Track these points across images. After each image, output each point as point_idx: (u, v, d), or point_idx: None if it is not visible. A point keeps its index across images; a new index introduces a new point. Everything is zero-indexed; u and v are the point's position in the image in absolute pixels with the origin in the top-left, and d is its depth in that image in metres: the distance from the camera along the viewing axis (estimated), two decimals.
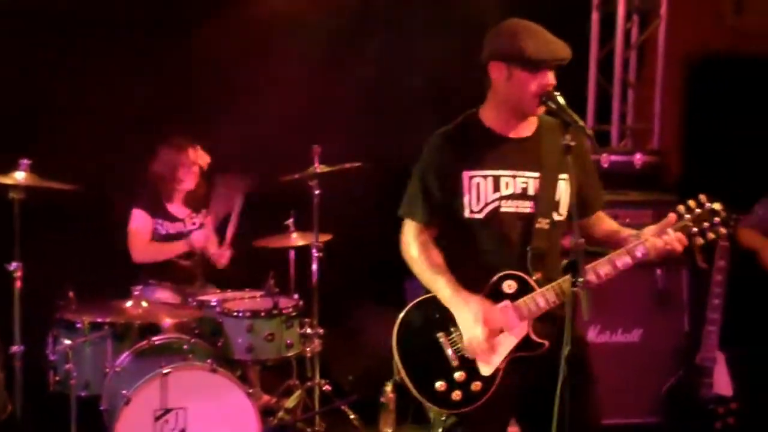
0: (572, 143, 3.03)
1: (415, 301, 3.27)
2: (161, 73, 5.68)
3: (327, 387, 5.23)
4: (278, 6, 5.87)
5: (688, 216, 3.18)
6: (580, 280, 2.84)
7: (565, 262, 2.93)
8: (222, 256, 5.43)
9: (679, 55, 6.21)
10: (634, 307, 5.01)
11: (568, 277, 3.13)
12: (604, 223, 3.41)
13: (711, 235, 3.20)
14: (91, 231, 5.44)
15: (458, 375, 3.17)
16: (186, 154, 5.30)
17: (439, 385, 3.17)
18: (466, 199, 3.20)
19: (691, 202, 3.21)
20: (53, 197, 4.70)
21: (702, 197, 3.22)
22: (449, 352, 3.18)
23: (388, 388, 5.21)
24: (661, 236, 3.14)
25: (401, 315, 3.26)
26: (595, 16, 6.01)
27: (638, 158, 5.41)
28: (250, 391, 4.43)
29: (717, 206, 3.21)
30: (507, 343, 3.17)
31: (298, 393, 5.23)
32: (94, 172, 5.02)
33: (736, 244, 4.97)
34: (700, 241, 3.19)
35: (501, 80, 3.18)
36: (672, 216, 3.18)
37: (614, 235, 3.33)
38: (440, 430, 3.38)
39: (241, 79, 5.81)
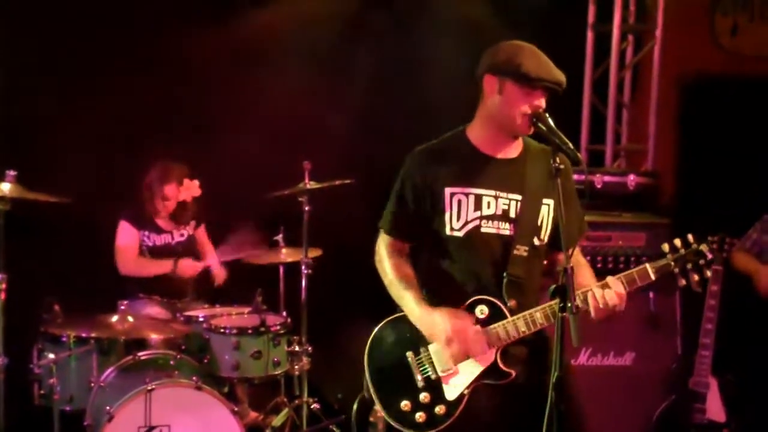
0: (561, 166, 3.00)
1: (389, 318, 3.27)
2: (151, 87, 5.64)
3: (315, 405, 5.18)
4: (269, 22, 5.86)
5: (670, 255, 3.15)
6: (569, 305, 2.80)
7: (552, 287, 2.88)
8: (219, 275, 5.45)
9: (674, 76, 6.21)
10: (626, 331, 4.96)
11: (542, 307, 3.11)
12: (578, 266, 3.19)
13: (695, 277, 3.16)
14: (78, 243, 5.40)
15: (423, 396, 3.16)
16: (162, 189, 5.31)
17: (404, 404, 3.17)
18: (447, 216, 3.17)
19: (677, 242, 3.17)
20: (39, 209, 4.65)
21: (690, 237, 3.17)
22: (416, 372, 3.18)
23: (378, 407, 5.15)
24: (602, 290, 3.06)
25: (375, 331, 3.27)
26: (590, 36, 5.99)
27: (632, 179, 5.38)
28: (236, 408, 4.37)
29: (703, 248, 3.16)
30: (473, 369, 3.15)
31: (285, 411, 5.19)
32: (80, 184, 4.97)
33: (730, 268, 4.94)
34: (682, 282, 3.16)
35: (493, 94, 3.15)
36: (643, 267, 3.13)
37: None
38: None
39: (232, 95, 5.79)
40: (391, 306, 5.08)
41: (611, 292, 3.05)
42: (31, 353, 4.52)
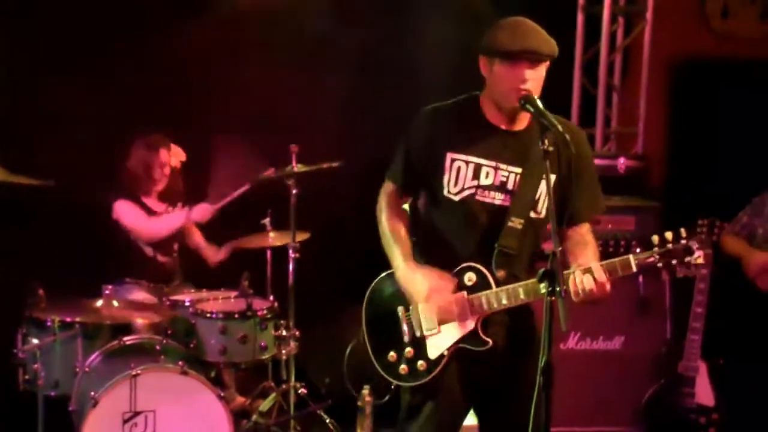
0: (550, 149, 2.97)
1: (389, 271, 3.33)
2: (135, 69, 5.59)
3: (303, 390, 5.15)
4: (256, 3, 5.78)
5: (656, 248, 3.09)
6: (558, 289, 2.79)
7: (541, 270, 2.86)
8: (218, 254, 5.43)
9: (664, 58, 6.18)
10: (615, 314, 4.95)
11: (528, 282, 3.13)
12: (582, 244, 3.25)
13: (681, 272, 3.10)
14: (61, 227, 5.34)
15: (408, 350, 3.28)
16: (158, 155, 5.23)
17: (391, 355, 3.30)
18: (445, 179, 3.21)
19: (668, 234, 3.11)
20: (22, 192, 4.61)
21: (682, 231, 3.11)
22: (404, 327, 3.29)
23: (365, 391, 5.14)
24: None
25: (375, 282, 3.38)
26: (580, 18, 5.95)
27: (622, 162, 5.36)
28: (223, 393, 4.33)
29: (693, 245, 3.09)
30: (454, 333, 3.23)
31: (273, 396, 5.16)
32: (64, 167, 4.91)
33: (720, 251, 4.92)
34: (665, 276, 3.12)
35: (487, 74, 3.20)
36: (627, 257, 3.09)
37: (573, 261, 3.20)
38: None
39: (218, 77, 5.72)
40: None
41: (590, 279, 3.03)
42: (15, 338, 4.47)
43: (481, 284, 3.20)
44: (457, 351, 3.23)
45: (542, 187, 3.18)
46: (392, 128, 3.46)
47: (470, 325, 3.20)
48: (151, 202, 5.33)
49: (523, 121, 3.24)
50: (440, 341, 3.23)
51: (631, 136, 6.07)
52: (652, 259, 3.08)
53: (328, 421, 5.03)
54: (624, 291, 4.95)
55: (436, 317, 3.22)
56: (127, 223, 5.15)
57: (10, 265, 4.65)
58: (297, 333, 5.03)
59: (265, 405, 5.14)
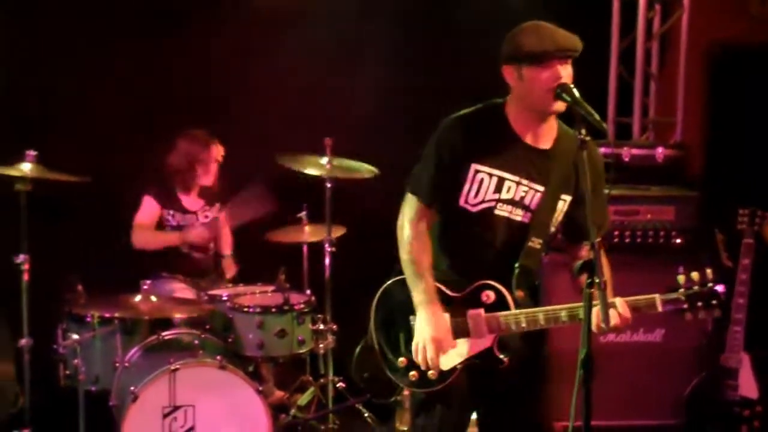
0: (587, 138, 2.93)
1: (401, 276, 3.27)
2: (171, 64, 5.61)
3: (341, 384, 5.15)
4: None
5: (683, 290, 3.07)
6: (597, 280, 2.75)
7: (580, 262, 2.84)
8: (230, 268, 5.44)
9: (702, 45, 6.08)
10: None
11: (547, 308, 3.11)
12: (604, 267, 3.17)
13: (702, 315, 3.07)
14: (100, 223, 5.40)
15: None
16: (209, 151, 5.26)
17: (401, 360, 3.26)
18: (465, 189, 3.17)
19: (695, 275, 3.08)
20: (61, 189, 4.65)
21: (708, 273, 3.07)
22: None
23: (378, 356, 5.11)
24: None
25: (385, 284, 3.33)
26: (616, 6, 5.87)
27: (660, 152, 5.28)
28: (261, 388, 4.33)
29: (719, 289, 3.06)
30: (468, 347, 3.19)
31: (311, 390, 5.17)
32: (101, 164, 4.96)
33: (762, 241, 4.84)
34: (688, 316, 3.07)
35: (515, 82, 3.14)
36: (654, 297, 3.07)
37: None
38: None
39: (255, 71, 5.74)
40: None
41: (614, 314, 2.99)
42: (56, 334, 4.51)
43: (500, 303, 3.16)
44: (469, 365, 3.20)
45: (559, 206, 3.18)
46: (429, 123, 3.43)
47: (486, 342, 3.17)
48: (189, 200, 5.35)
49: (549, 136, 3.20)
50: (454, 354, 3.18)
51: (669, 125, 5.99)
52: (678, 300, 3.06)
53: (366, 415, 5.03)
54: (664, 282, 4.87)
55: (452, 330, 3.17)
56: (137, 217, 5.20)
57: (50, 261, 4.69)
58: (334, 327, 5.02)
59: (303, 399, 5.16)
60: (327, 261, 5.11)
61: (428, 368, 3.17)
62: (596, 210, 3.15)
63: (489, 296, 3.17)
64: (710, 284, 3.06)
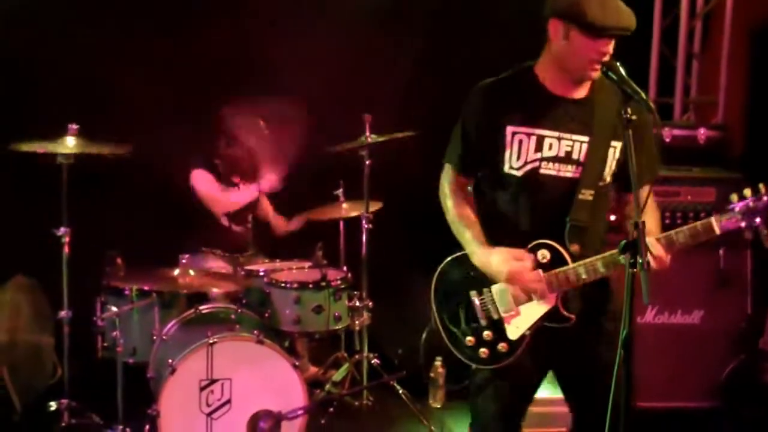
0: (633, 117, 2.89)
1: (454, 255, 3.28)
2: (209, 40, 5.62)
3: (376, 361, 5.17)
4: None
5: (738, 208, 2.99)
6: (640, 261, 2.71)
7: (623, 241, 2.79)
8: (288, 224, 5.47)
9: (746, 25, 5.98)
10: (694, 288, 4.86)
11: (605, 254, 3.06)
12: (646, 213, 3.13)
13: (765, 231, 2.98)
14: (139, 197, 5.43)
15: (486, 334, 3.22)
16: (257, 125, 5.24)
17: (469, 339, 3.23)
18: (506, 154, 3.13)
19: (747, 191, 3.00)
20: (102, 162, 4.69)
21: (761, 187, 3.00)
22: (480, 311, 3.22)
23: (438, 362, 5.15)
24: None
25: (440, 267, 3.31)
26: None
27: (702, 133, 5.23)
28: (297, 363, 4.35)
29: None
30: (535, 311, 3.17)
31: (346, 366, 5.19)
32: (142, 137, 4.97)
33: None
34: (748, 235, 3.00)
35: (558, 39, 3.07)
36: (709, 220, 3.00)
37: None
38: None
39: (292, 47, 5.71)
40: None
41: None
42: (95, 306, 4.56)
43: (556, 260, 3.12)
44: (538, 329, 3.16)
45: (610, 154, 3.12)
46: (466, 96, 3.40)
47: (550, 302, 3.14)
48: (233, 176, 5.35)
49: (584, 88, 3.15)
50: (520, 322, 3.16)
51: (711, 106, 5.92)
52: (734, 219, 2.98)
53: (401, 391, 5.03)
54: (704, 264, 4.85)
55: (513, 298, 3.17)
56: (202, 191, 5.20)
57: (90, 234, 4.74)
58: (370, 303, 5.03)
59: (338, 375, 5.18)
60: (364, 238, 5.11)
61: (536, 298, 3.12)
62: (648, 156, 3.17)
63: (545, 255, 3.12)
64: (765, 197, 2.98)
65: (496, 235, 3.18)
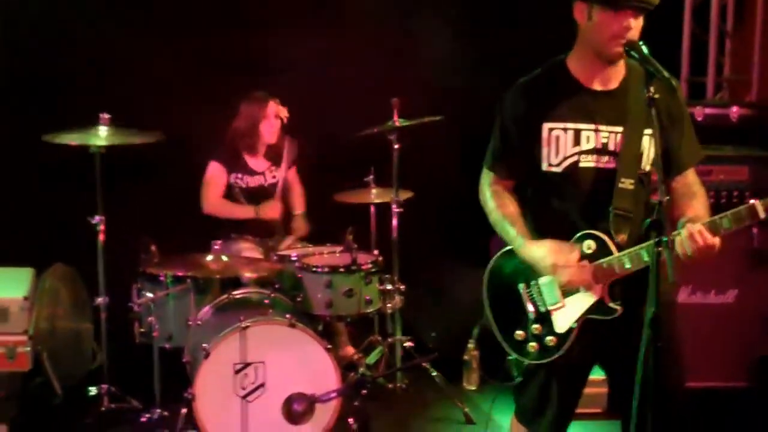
0: (656, 96, 2.88)
1: (504, 249, 3.29)
2: (237, 25, 5.65)
3: (409, 343, 5.19)
4: None
5: None
6: (665, 239, 2.72)
7: (647, 220, 2.79)
8: (300, 228, 5.51)
9: None
10: (728, 267, 4.80)
11: (648, 243, 2.98)
12: (688, 196, 3.16)
13: None
14: (173, 184, 5.49)
15: (534, 327, 3.21)
16: (266, 108, 5.31)
17: (519, 334, 3.24)
18: (545, 152, 3.14)
19: None
20: (135, 151, 4.75)
21: None
22: (528, 304, 3.23)
23: (471, 345, 5.15)
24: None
25: (491, 262, 3.34)
26: None
27: (735, 111, 5.17)
28: (329, 345, 4.38)
29: None
30: (581, 303, 3.15)
31: (379, 349, 5.21)
32: (175, 125, 5.02)
33: None
34: None
35: (584, 21, 3.09)
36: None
37: (681, 215, 3.10)
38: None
39: (319, 31, 5.73)
40: (483, 245, 5.07)
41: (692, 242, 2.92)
42: (131, 292, 4.63)
43: (602, 251, 3.10)
44: (585, 322, 3.15)
45: (645, 141, 3.11)
46: (495, 80, 3.40)
47: (596, 294, 3.12)
48: (255, 161, 5.41)
49: (616, 78, 3.15)
50: (567, 314, 3.16)
51: (744, 84, 5.84)
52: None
53: (434, 374, 5.05)
54: (737, 243, 4.80)
55: (560, 290, 3.16)
56: (206, 178, 5.30)
57: (125, 222, 4.81)
58: (402, 287, 5.05)
59: (371, 358, 5.20)
60: (394, 222, 5.13)
61: (583, 289, 3.11)
62: (689, 140, 3.19)
63: (590, 246, 3.12)
64: None
65: (541, 230, 3.19)
